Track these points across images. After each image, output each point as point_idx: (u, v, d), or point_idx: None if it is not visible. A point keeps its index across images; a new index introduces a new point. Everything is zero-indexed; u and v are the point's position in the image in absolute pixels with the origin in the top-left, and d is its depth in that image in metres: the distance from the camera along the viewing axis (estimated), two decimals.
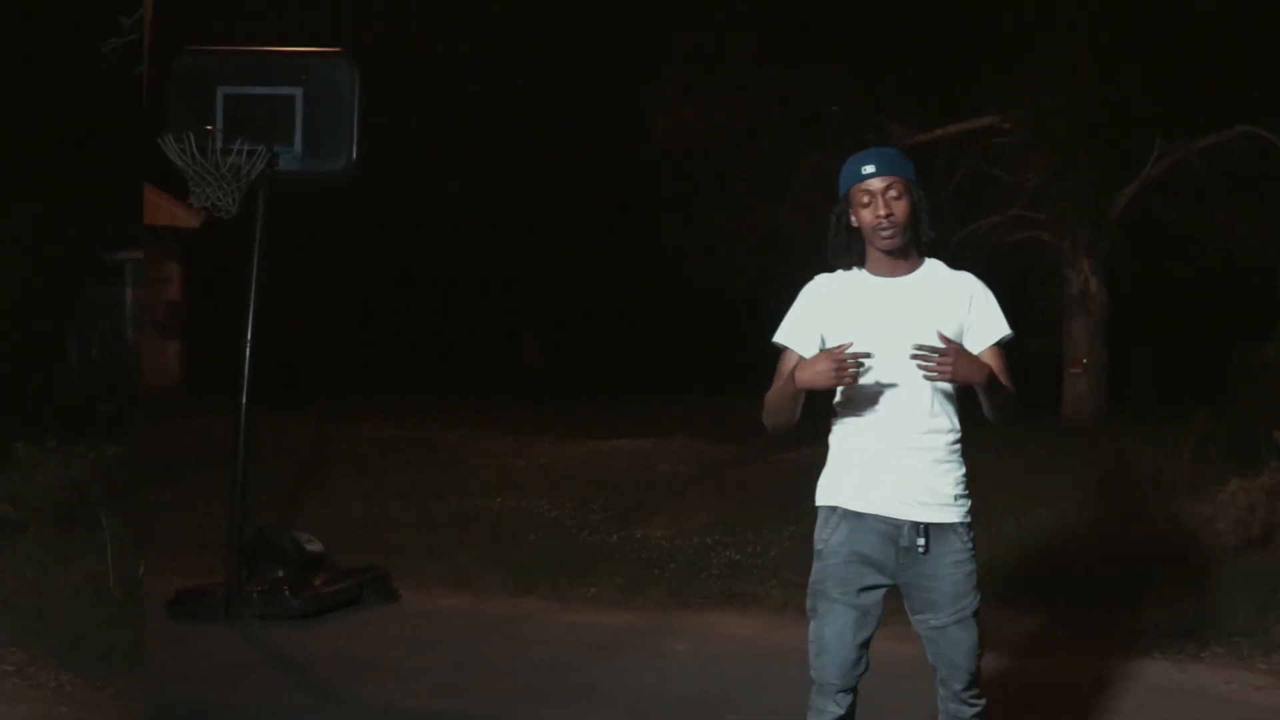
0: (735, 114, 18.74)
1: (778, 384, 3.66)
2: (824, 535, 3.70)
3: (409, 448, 13.40)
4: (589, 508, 10.09)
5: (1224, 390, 12.61)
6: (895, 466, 3.60)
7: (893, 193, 3.60)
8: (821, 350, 3.56)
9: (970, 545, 3.66)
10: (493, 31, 21.03)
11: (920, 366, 3.43)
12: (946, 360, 3.40)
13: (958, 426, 3.66)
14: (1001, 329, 3.70)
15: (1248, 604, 6.75)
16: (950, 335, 3.53)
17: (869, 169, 3.62)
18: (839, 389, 3.61)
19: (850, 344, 3.45)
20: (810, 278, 3.86)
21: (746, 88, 18.65)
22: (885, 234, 3.60)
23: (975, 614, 3.66)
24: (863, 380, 3.52)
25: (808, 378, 3.49)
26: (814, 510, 3.75)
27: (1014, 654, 6.10)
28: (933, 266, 3.73)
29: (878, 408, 3.60)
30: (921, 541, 3.58)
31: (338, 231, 21.17)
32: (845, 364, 3.42)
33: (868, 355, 3.47)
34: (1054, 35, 16.90)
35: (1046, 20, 16.91)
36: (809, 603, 3.70)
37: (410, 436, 14.41)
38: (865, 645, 3.65)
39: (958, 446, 3.66)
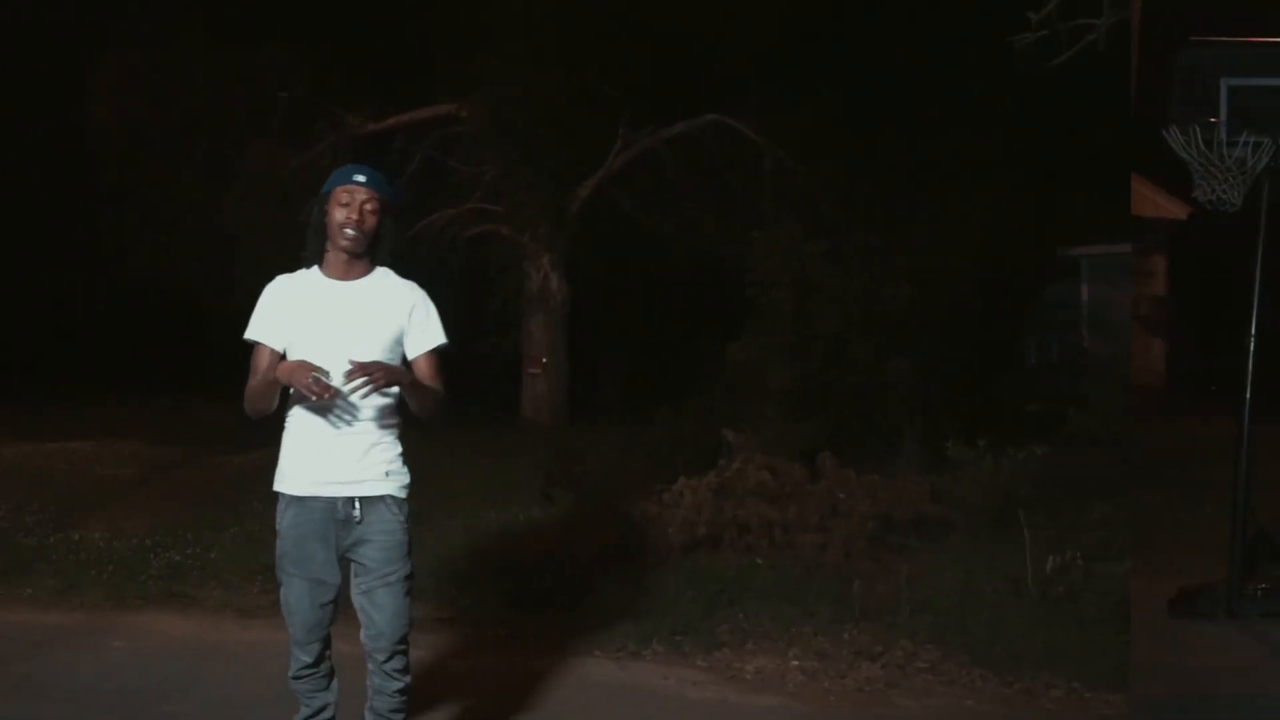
0: (180, 100, 17.90)
1: (255, 377, 4.06)
2: (279, 519, 4.12)
3: None
4: (25, 509, 9.94)
5: (691, 389, 13.07)
6: (331, 451, 4.04)
7: (370, 206, 4.06)
8: (304, 363, 3.91)
9: (402, 518, 4.12)
10: None
11: (363, 385, 3.88)
12: (375, 372, 3.89)
13: (391, 412, 4.11)
14: (438, 338, 4.20)
15: (692, 604, 6.98)
16: (389, 340, 4.07)
17: (360, 178, 4.07)
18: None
19: (328, 373, 3.87)
20: (258, 273, 4.28)
21: (192, 73, 17.89)
22: (349, 234, 4.04)
23: (404, 584, 4.12)
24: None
25: (284, 377, 3.93)
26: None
27: (453, 654, 6.44)
28: (382, 274, 4.19)
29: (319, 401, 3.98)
30: (356, 513, 4.05)
31: None
32: (321, 388, 3.84)
33: (337, 393, 3.91)
34: (512, 21, 16.83)
35: (505, 5, 16.81)
36: (277, 574, 4.15)
37: None
38: (327, 605, 4.10)
39: (391, 429, 4.12)
